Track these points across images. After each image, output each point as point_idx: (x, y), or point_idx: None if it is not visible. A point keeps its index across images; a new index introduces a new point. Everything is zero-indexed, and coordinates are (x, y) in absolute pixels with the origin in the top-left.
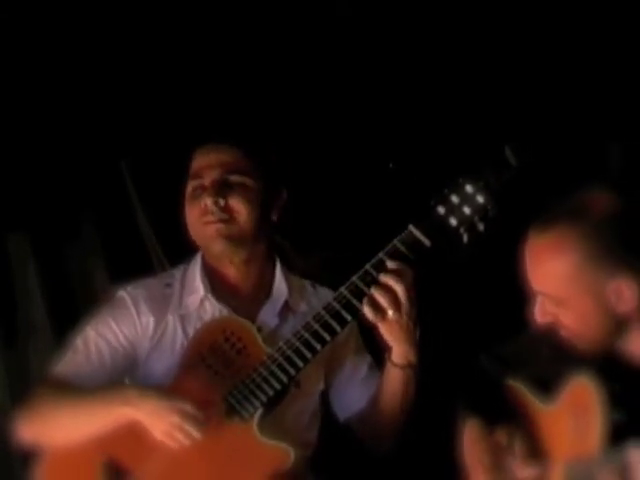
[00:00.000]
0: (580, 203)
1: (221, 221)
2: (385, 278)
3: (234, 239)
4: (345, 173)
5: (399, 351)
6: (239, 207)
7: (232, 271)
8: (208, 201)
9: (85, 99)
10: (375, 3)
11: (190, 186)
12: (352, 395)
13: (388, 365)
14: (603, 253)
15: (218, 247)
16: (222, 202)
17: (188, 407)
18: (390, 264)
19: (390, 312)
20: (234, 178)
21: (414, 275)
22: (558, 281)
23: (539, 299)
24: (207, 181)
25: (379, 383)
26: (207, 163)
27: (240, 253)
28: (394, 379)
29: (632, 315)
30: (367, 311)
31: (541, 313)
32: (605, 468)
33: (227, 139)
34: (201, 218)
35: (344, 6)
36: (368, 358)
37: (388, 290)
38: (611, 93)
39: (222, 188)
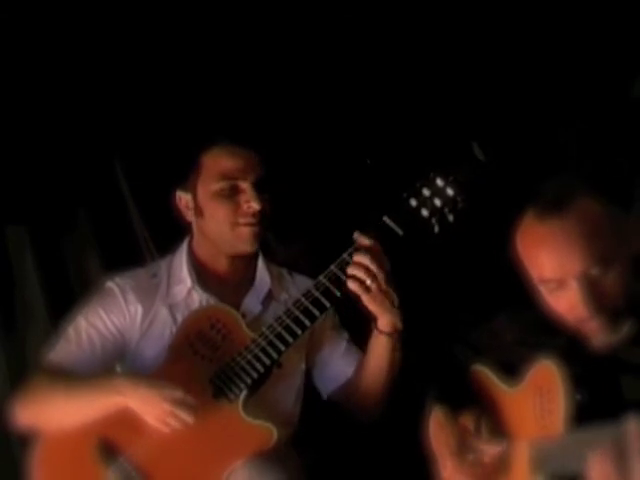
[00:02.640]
0: (571, 183)
1: (258, 224)
2: (357, 256)
3: (259, 240)
4: (325, 168)
5: (385, 319)
6: (268, 211)
7: (222, 264)
8: (255, 205)
9: (79, 100)
10: (349, 2)
11: (218, 185)
12: (334, 369)
13: (375, 333)
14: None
15: (248, 247)
16: (261, 204)
17: (178, 393)
18: (360, 240)
19: (368, 282)
20: (263, 187)
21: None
22: (604, 239)
23: (583, 283)
24: (244, 184)
25: (366, 352)
26: (240, 166)
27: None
28: (381, 346)
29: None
30: (350, 284)
31: (589, 294)
32: (569, 447)
33: (244, 142)
34: (236, 218)
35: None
36: (345, 334)
37: (361, 265)
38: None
39: (260, 193)
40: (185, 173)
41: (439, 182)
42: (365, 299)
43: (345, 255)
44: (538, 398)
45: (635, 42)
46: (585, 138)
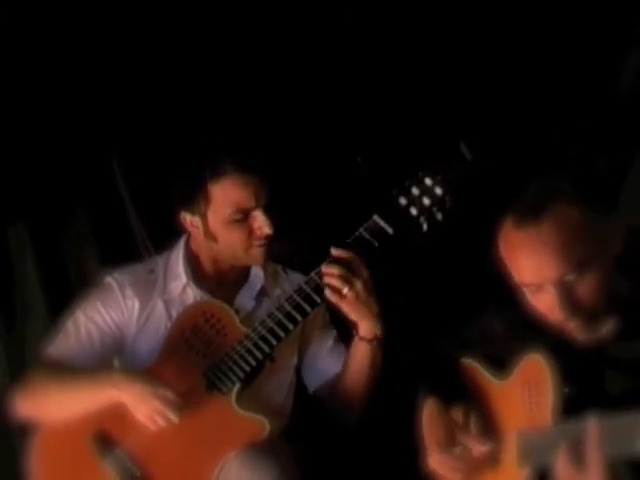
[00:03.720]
0: (552, 186)
1: (267, 245)
2: (330, 266)
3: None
4: (317, 166)
5: (365, 326)
6: (272, 232)
7: (219, 264)
8: (267, 230)
9: (77, 100)
10: (333, 3)
11: (230, 214)
12: (320, 366)
13: (356, 339)
14: (596, 213)
15: (260, 263)
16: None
17: (169, 394)
18: (334, 252)
19: (345, 290)
20: (268, 207)
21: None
22: (580, 245)
23: (559, 288)
24: (255, 211)
25: (346, 357)
26: (250, 195)
27: None
28: (361, 352)
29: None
30: (328, 294)
31: (564, 299)
32: (558, 438)
33: (251, 169)
34: (250, 241)
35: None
36: (333, 332)
37: (335, 274)
38: (560, 90)
39: (269, 215)
40: (182, 173)
41: (428, 181)
42: (344, 306)
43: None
44: (527, 391)
45: (620, 40)
46: (573, 139)
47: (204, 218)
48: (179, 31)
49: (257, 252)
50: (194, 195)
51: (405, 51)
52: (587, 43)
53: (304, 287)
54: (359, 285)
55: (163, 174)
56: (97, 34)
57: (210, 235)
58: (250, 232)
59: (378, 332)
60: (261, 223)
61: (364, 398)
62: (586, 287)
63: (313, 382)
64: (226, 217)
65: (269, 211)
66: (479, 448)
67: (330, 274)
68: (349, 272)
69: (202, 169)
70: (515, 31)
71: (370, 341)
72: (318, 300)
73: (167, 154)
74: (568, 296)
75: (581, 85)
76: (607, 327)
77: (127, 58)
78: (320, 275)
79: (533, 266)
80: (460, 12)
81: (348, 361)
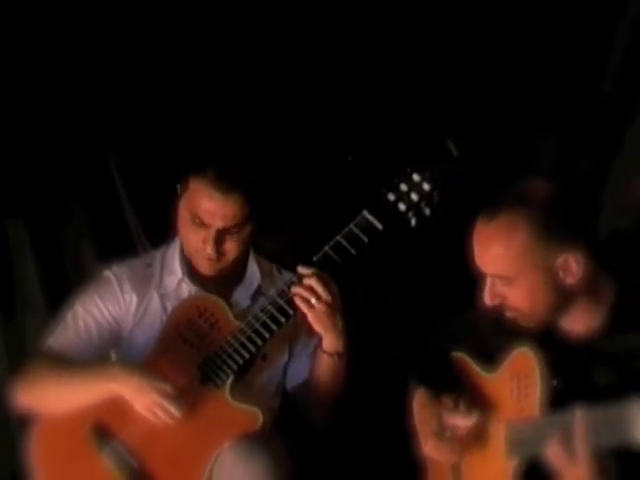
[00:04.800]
0: (522, 192)
1: (214, 259)
2: (304, 280)
3: (219, 268)
4: (308, 164)
5: (327, 340)
6: (231, 249)
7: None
8: (209, 249)
9: (74, 101)
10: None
11: (189, 214)
12: (298, 368)
13: (319, 352)
14: (548, 233)
15: (207, 273)
16: (220, 249)
17: (168, 387)
18: (302, 270)
19: (312, 300)
20: (234, 229)
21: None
22: (508, 261)
23: (489, 282)
24: (211, 229)
25: (311, 368)
26: (213, 211)
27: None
28: (323, 364)
29: (577, 288)
30: (296, 301)
31: (491, 295)
32: (546, 429)
33: (231, 184)
34: (197, 246)
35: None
36: (316, 340)
37: (306, 286)
38: (544, 88)
39: (222, 238)
40: (177, 170)
41: (416, 177)
42: (310, 318)
43: (327, 249)
44: (516, 383)
45: (603, 44)
46: (556, 138)
47: (178, 202)
48: (174, 29)
49: (203, 263)
50: (179, 163)
51: (393, 52)
52: (570, 44)
53: (296, 282)
54: (326, 298)
55: (159, 172)
56: (91, 31)
57: (177, 221)
58: (203, 241)
59: (340, 348)
60: (208, 241)
61: (327, 408)
62: (511, 295)
63: (291, 381)
64: (186, 215)
65: (227, 234)
66: (466, 423)
67: (303, 285)
68: (319, 284)
69: (188, 136)
70: (500, 33)
71: (331, 355)
72: None
73: (163, 153)
74: (492, 292)
75: (565, 86)
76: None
77: (120, 55)
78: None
79: (478, 259)
80: (445, 13)
81: (312, 370)
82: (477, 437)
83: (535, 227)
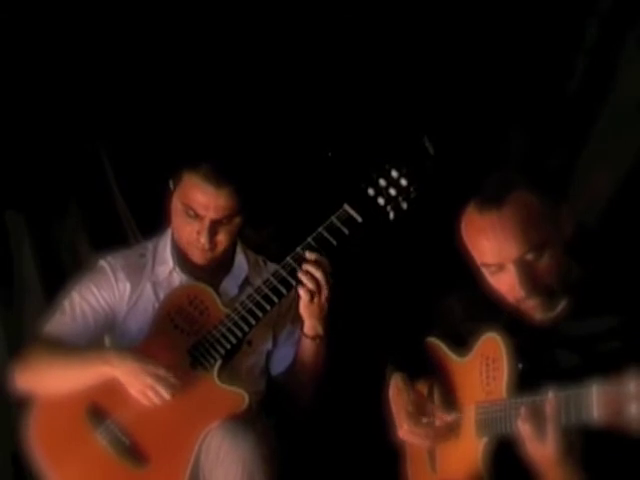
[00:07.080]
0: (513, 177)
1: (207, 250)
2: (307, 266)
3: (210, 258)
4: (292, 159)
5: (309, 324)
6: (223, 240)
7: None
8: (203, 239)
9: (67, 94)
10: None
11: (183, 207)
12: (283, 354)
13: (302, 337)
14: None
15: (199, 262)
16: (213, 239)
17: (161, 371)
18: (309, 255)
19: (311, 285)
20: (226, 220)
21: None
22: (536, 233)
23: (519, 268)
24: (205, 220)
25: (295, 352)
26: (206, 203)
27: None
28: (306, 348)
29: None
30: (299, 289)
31: (525, 279)
32: (513, 410)
33: (224, 177)
34: (190, 237)
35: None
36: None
37: (311, 276)
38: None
39: (215, 229)
40: (167, 164)
41: (394, 173)
42: (302, 301)
43: (310, 239)
44: (484, 367)
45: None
46: (526, 134)
47: (171, 196)
48: (165, 25)
49: (196, 253)
50: (171, 158)
51: (369, 52)
52: (539, 41)
53: (280, 271)
54: (324, 292)
55: (150, 167)
56: (87, 30)
57: (170, 213)
58: (194, 231)
59: (320, 331)
60: (202, 231)
61: (312, 387)
62: (543, 266)
63: (276, 367)
64: (179, 207)
65: (221, 224)
66: (444, 418)
67: (307, 274)
68: (323, 277)
69: (181, 132)
70: (470, 32)
71: (313, 338)
72: (293, 282)
73: (154, 149)
74: (528, 274)
75: (533, 83)
76: (561, 306)
77: (113, 51)
78: (296, 260)
79: (495, 247)
80: (416, 13)
81: (296, 355)
82: (452, 428)
83: (544, 199)
